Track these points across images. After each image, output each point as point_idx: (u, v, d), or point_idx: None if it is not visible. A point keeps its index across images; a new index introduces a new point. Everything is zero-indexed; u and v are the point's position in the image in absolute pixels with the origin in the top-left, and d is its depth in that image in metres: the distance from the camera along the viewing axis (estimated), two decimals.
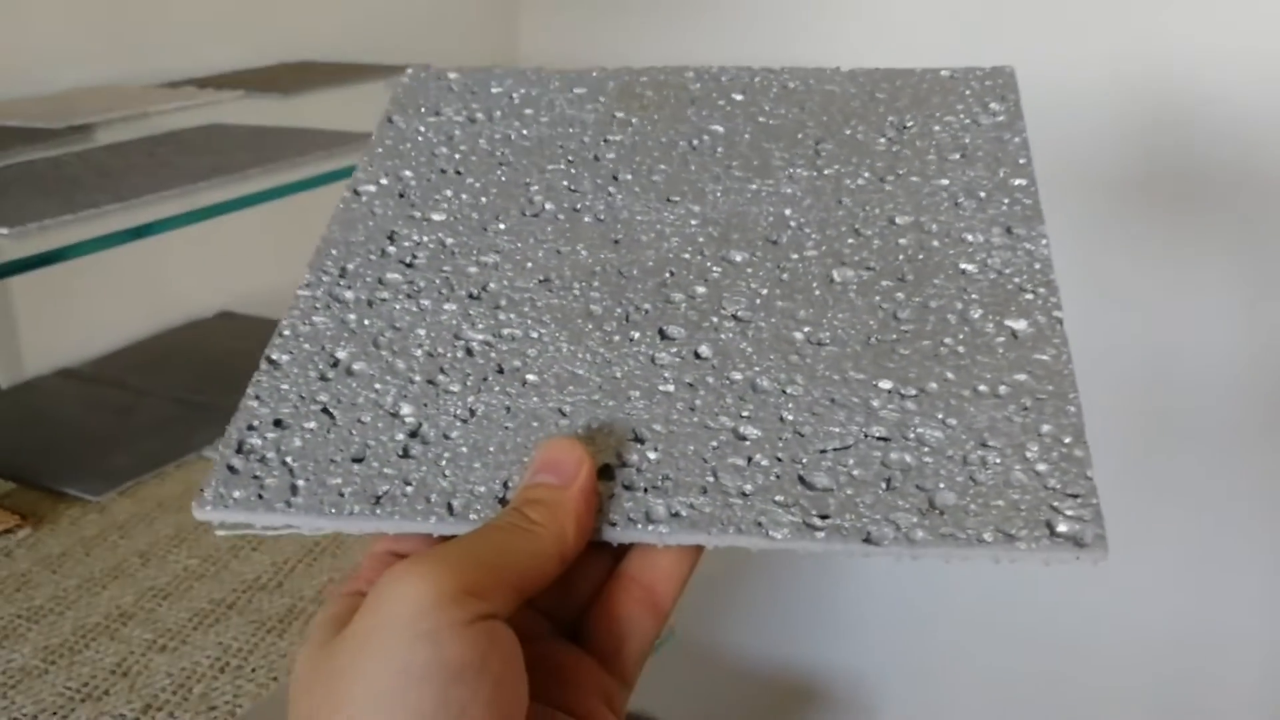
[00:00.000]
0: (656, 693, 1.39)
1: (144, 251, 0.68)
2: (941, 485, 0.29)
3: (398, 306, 0.36)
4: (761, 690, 1.46)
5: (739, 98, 0.44)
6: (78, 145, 0.73)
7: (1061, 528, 0.27)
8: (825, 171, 0.40)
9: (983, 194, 0.38)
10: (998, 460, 0.29)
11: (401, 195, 0.40)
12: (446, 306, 0.36)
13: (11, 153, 0.71)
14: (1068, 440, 0.30)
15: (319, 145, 0.71)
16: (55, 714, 0.56)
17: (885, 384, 0.32)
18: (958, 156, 0.40)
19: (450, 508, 0.30)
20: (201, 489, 0.31)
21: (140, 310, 0.99)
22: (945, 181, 0.39)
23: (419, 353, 0.34)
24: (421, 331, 0.35)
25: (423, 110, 0.45)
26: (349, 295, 0.36)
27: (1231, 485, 1.17)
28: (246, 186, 0.63)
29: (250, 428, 0.32)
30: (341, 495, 0.30)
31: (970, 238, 0.36)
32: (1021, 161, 0.39)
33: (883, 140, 0.41)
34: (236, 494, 0.30)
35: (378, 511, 0.30)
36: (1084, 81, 1.10)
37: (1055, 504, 0.28)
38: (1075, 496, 0.28)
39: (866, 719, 1.43)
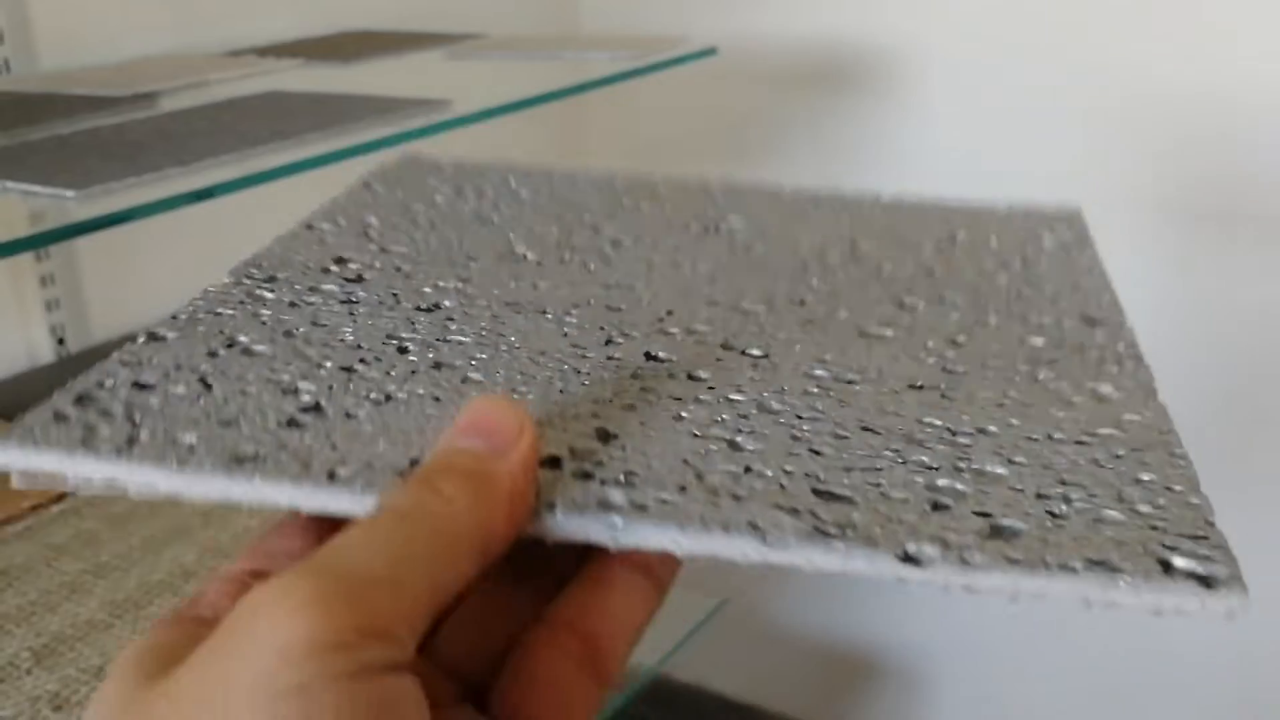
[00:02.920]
0: (706, 662, 1.39)
1: (207, 218, 0.69)
2: (1008, 514, 0.22)
3: (325, 308, 0.30)
4: (816, 662, 1.46)
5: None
6: (142, 112, 0.74)
7: (1180, 563, 0.20)
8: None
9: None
10: (1081, 497, 0.22)
11: (363, 234, 0.35)
12: (386, 314, 0.30)
13: (78, 120, 0.73)
14: (1178, 488, 0.23)
15: (377, 110, 0.72)
16: None
17: (933, 419, 0.25)
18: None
19: (332, 475, 0.22)
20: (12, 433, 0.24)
21: (204, 276, 1.00)
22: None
23: (339, 345, 0.28)
24: (348, 330, 0.29)
25: (405, 181, 0.40)
26: (269, 295, 0.30)
27: None
28: (305, 150, 0.64)
29: (101, 385, 0.25)
30: (192, 450, 0.23)
31: (1034, 319, 0.31)
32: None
33: None
34: (54, 434, 0.24)
35: (234, 472, 0.23)
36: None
37: (1167, 543, 0.21)
38: (1195, 538, 0.21)
39: (924, 692, 1.42)
